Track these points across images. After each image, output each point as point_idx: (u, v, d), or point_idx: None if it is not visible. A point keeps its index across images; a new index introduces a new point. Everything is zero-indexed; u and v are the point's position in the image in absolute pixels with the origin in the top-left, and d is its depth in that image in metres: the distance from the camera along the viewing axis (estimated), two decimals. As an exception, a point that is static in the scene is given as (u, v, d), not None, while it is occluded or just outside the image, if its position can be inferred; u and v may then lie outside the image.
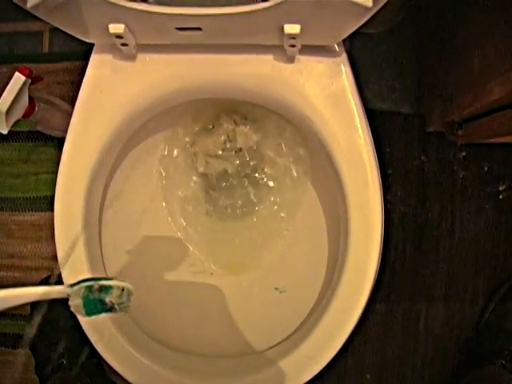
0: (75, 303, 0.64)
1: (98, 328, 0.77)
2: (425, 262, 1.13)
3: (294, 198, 0.95)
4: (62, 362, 1.06)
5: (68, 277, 0.77)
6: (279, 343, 0.79)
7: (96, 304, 0.65)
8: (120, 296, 0.67)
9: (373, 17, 0.64)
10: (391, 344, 1.13)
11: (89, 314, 0.65)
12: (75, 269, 0.77)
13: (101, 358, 1.09)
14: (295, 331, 0.80)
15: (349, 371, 1.14)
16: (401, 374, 1.13)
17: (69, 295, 0.64)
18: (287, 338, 0.79)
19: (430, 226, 1.13)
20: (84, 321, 0.77)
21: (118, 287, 0.67)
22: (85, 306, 0.64)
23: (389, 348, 1.13)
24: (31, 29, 1.22)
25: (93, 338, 0.78)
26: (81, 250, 0.77)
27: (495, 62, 0.69)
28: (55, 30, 1.21)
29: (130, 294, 0.69)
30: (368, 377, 1.14)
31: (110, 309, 0.66)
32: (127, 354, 0.77)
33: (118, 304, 0.67)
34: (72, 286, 0.64)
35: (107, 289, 0.66)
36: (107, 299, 0.66)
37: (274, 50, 0.74)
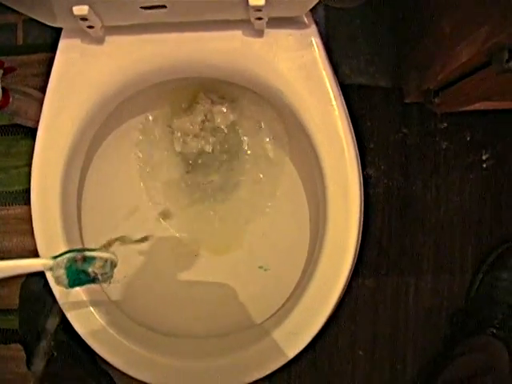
0: (58, 274, 0.64)
1: (86, 319, 0.77)
2: (411, 235, 1.13)
3: (273, 175, 0.94)
4: (53, 354, 1.06)
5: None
6: (265, 321, 0.79)
7: (79, 275, 0.65)
8: (103, 267, 0.67)
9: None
10: (382, 319, 1.13)
11: (71, 285, 0.65)
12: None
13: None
14: (280, 308, 0.79)
15: (341, 349, 1.14)
16: (393, 349, 1.13)
17: (51, 267, 0.64)
18: (272, 316, 0.79)
19: (414, 198, 1.13)
20: (69, 310, 0.77)
21: (101, 258, 0.66)
22: (68, 276, 0.64)
23: (380, 323, 1.13)
24: (4, 21, 1.21)
25: (80, 329, 0.77)
26: (60, 237, 0.77)
27: (463, 25, 0.68)
28: (29, 22, 1.20)
29: (113, 264, 0.69)
30: (360, 353, 1.14)
31: (92, 279, 0.66)
32: (117, 344, 0.77)
33: (102, 274, 0.67)
34: (55, 257, 0.64)
35: (90, 259, 0.65)
36: (90, 270, 0.66)
37: (242, 24, 0.73)
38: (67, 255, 0.64)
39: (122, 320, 0.80)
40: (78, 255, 0.64)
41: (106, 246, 0.77)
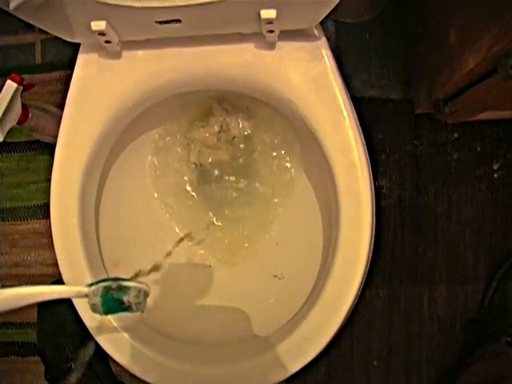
0: (93, 302, 0.66)
1: (103, 326, 0.78)
2: (424, 245, 1.14)
3: (286, 184, 0.95)
4: (71, 366, 1.07)
5: (68, 276, 0.78)
6: (280, 328, 0.80)
7: (114, 303, 0.67)
8: (137, 296, 0.69)
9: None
10: (396, 329, 1.14)
11: (106, 312, 0.67)
12: (75, 269, 0.78)
13: (108, 359, 1.11)
14: (295, 315, 0.80)
15: (355, 359, 1.14)
16: (408, 359, 1.13)
17: (87, 294, 0.66)
18: (287, 323, 0.80)
19: (426, 209, 1.14)
20: (88, 321, 0.78)
21: (135, 288, 0.69)
22: (102, 304, 0.66)
23: (394, 333, 1.14)
24: (23, 41, 1.24)
25: (97, 336, 0.78)
26: (79, 249, 0.78)
27: (469, 32, 0.70)
28: (47, 42, 1.23)
29: (146, 294, 0.71)
30: (375, 363, 1.14)
31: (126, 308, 0.68)
32: (132, 348, 0.78)
33: (135, 304, 0.69)
34: (90, 285, 0.66)
35: (125, 289, 0.68)
36: (125, 299, 0.67)
37: (254, 38, 0.75)
38: (103, 284, 0.66)
39: (137, 326, 0.81)
40: (114, 284, 0.66)
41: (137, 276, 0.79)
